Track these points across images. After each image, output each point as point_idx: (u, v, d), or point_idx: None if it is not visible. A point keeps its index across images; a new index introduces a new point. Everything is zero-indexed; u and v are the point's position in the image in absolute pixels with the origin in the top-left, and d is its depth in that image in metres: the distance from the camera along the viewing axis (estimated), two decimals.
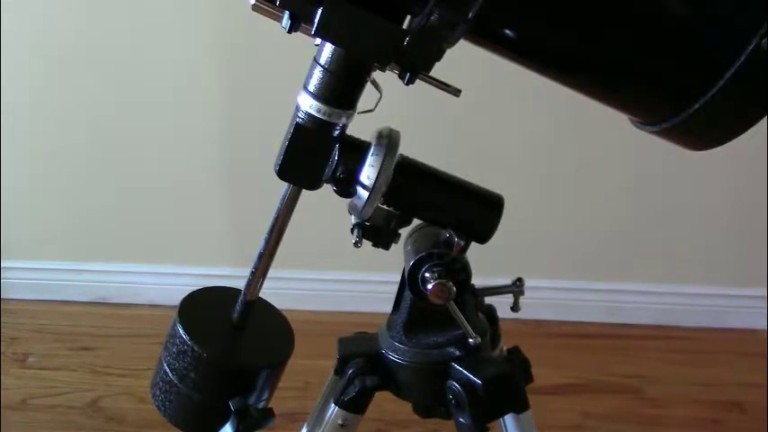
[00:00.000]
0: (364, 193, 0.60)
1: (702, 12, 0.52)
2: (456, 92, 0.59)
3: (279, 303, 0.73)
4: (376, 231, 0.66)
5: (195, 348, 0.63)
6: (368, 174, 0.60)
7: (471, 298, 0.70)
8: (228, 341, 0.68)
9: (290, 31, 0.53)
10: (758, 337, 1.77)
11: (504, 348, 0.77)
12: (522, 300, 0.75)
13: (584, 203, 1.76)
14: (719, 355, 1.73)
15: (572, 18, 0.53)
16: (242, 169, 1.77)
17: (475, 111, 1.56)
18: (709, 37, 0.52)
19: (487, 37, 0.55)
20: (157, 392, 0.68)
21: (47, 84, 1.73)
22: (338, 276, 1.87)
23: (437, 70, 0.54)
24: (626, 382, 1.63)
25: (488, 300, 0.76)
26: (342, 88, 0.57)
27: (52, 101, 1.75)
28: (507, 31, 0.54)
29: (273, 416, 0.67)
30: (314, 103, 0.57)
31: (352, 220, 0.65)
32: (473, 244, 0.66)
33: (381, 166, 0.59)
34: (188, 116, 1.74)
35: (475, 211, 0.66)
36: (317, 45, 0.57)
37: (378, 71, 0.58)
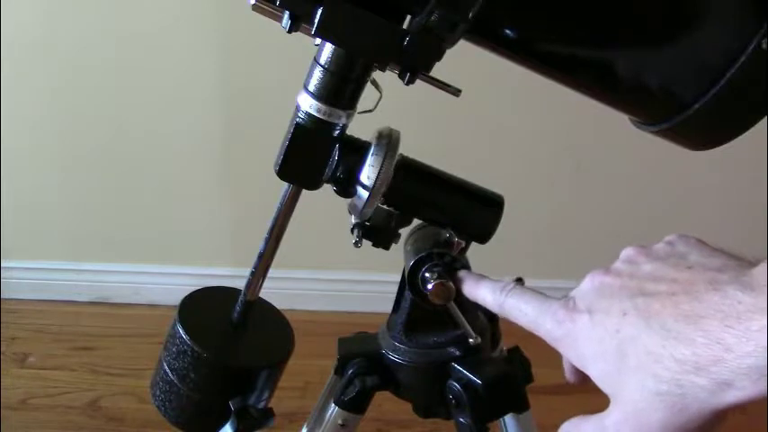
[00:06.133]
0: (364, 193, 0.60)
1: (703, 12, 0.52)
2: (456, 92, 0.59)
3: (279, 303, 0.73)
4: (376, 231, 0.66)
5: (195, 348, 0.63)
6: (368, 174, 0.60)
7: None
8: (228, 341, 0.68)
9: (290, 31, 0.53)
10: None
11: (504, 348, 0.77)
12: None
13: (585, 203, 1.76)
14: None
15: (572, 18, 0.53)
16: (242, 169, 1.78)
17: (475, 111, 1.56)
18: (710, 37, 0.52)
19: (487, 37, 0.55)
20: (157, 392, 0.68)
21: (47, 84, 1.73)
22: (338, 276, 1.87)
23: (437, 70, 0.54)
24: None
25: None
26: (342, 88, 0.57)
27: (52, 101, 1.75)
28: (507, 31, 0.54)
29: (273, 416, 0.67)
30: (314, 102, 0.57)
31: (352, 220, 0.65)
32: (473, 244, 0.66)
33: (381, 167, 0.59)
34: (188, 116, 1.74)
35: (475, 211, 0.66)
36: (317, 45, 0.57)
37: (378, 71, 0.58)
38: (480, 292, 0.53)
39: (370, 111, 0.60)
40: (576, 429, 0.43)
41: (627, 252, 0.45)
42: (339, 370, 0.75)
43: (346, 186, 0.61)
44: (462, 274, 0.61)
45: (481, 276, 0.57)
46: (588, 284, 0.44)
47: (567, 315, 0.43)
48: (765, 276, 0.34)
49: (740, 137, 0.55)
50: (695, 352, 0.35)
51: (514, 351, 0.77)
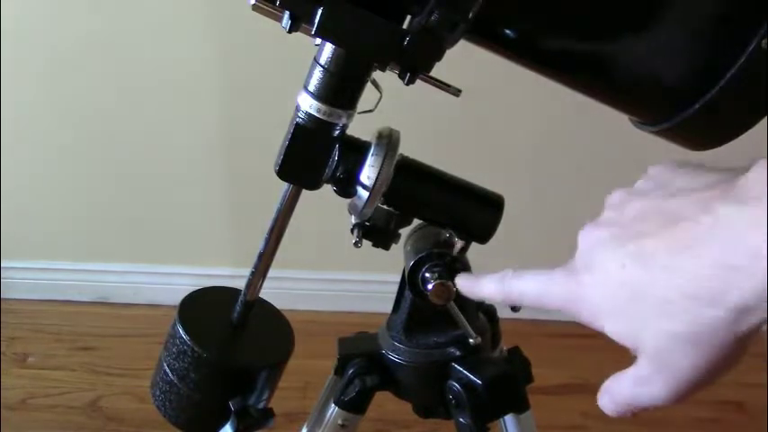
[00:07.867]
0: (364, 194, 0.60)
1: (702, 12, 0.52)
2: (456, 92, 0.59)
3: (279, 303, 0.73)
4: (376, 231, 0.66)
5: (195, 348, 0.63)
6: (368, 174, 0.60)
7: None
8: (228, 341, 0.68)
9: (290, 31, 0.53)
10: (758, 337, 1.76)
11: (504, 348, 0.77)
12: None
13: (585, 203, 1.76)
14: None
15: (572, 18, 0.53)
16: (242, 169, 1.77)
17: (475, 111, 1.56)
18: (710, 37, 0.52)
19: (487, 37, 0.55)
20: (157, 392, 0.68)
21: (47, 83, 1.73)
22: (338, 276, 1.87)
23: (437, 70, 0.54)
24: None
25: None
26: (342, 88, 0.57)
27: (52, 100, 1.75)
28: (507, 31, 0.54)
29: (273, 416, 0.67)
30: (314, 102, 0.57)
31: (352, 220, 0.65)
32: (473, 244, 0.66)
33: (381, 167, 0.59)
34: (188, 116, 1.74)
35: (475, 211, 0.66)
36: (317, 45, 0.57)
37: (378, 71, 0.58)
38: (482, 287, 0.51)
39: (370, 111, 0.60)
40: (616, 386, 0.41)
41: (611, 199, 0.44)
42: (339, 370, 0.75)
43: (346, 186, 0.61)
44: (460, 277, 0.60)
45: (478, 275, 0.56)
46: (582, 243, 0.42)
47: (570, 279, 0.42)
48: (756, 185, 0.32)
49: (740, 137, 0.55)
50: (701, 285, 0.33)
51: (514, 351, 0.77)
